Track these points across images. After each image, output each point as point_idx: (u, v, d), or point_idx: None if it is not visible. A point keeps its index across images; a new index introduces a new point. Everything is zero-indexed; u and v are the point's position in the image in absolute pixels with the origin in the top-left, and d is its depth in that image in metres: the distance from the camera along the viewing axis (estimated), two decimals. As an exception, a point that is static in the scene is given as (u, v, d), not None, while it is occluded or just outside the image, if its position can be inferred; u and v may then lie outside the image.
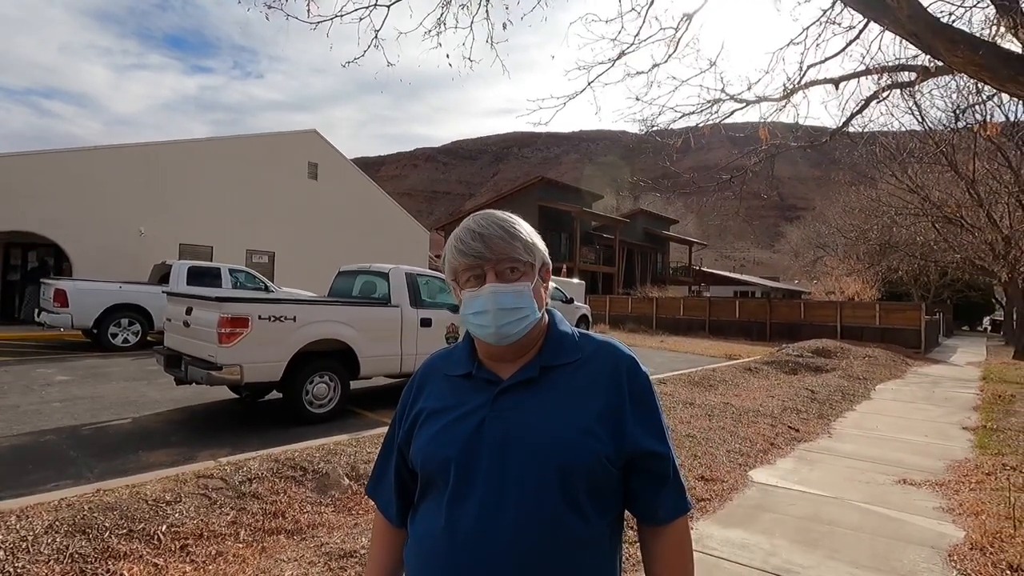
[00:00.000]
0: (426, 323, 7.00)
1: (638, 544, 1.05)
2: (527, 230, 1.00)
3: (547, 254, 1.04)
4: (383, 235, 21.69)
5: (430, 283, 7.47)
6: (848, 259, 28.91)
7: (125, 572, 2.67)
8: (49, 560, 2.67)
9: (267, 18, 3.43)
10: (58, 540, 2.81)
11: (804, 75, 4.57)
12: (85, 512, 3.06)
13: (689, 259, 45.44)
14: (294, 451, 4.26)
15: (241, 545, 3.04)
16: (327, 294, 7.90)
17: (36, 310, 10.84)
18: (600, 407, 0.94)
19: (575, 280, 23.10)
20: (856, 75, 4.67)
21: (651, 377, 1.02)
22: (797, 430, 6.24)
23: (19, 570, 2.57)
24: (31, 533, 2.82)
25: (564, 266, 25.13)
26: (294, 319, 5.73)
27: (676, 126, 6.10)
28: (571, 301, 16.40)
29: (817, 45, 4.48)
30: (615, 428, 0.93)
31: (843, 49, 4.50)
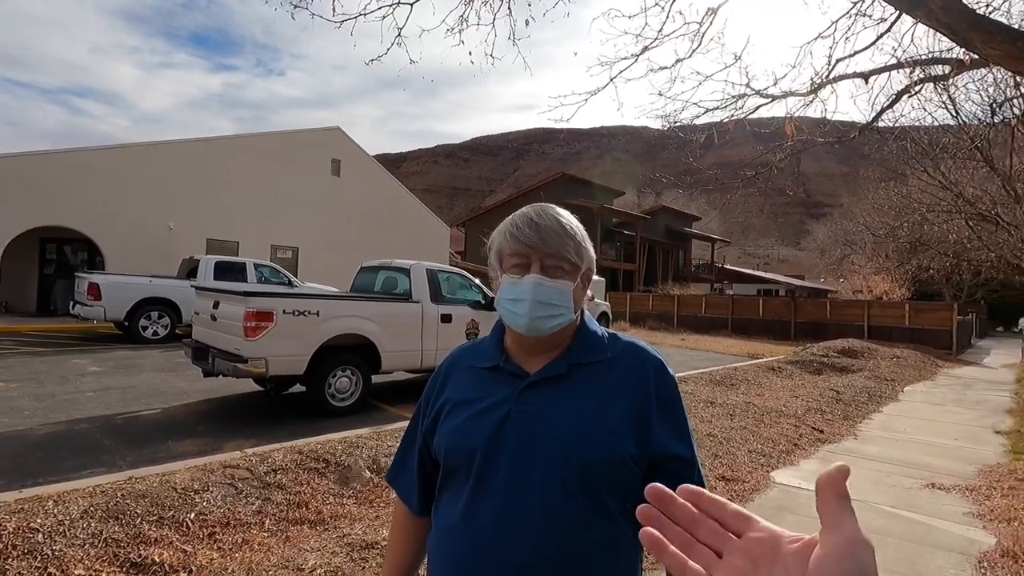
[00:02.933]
0: (446, 319, 7.05)
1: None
2: (581, 233, 1.00)
3: (594, 260, 1.04)
4: (405, 231, 21.86)
5: (451, 279, 7.52)
6: (876, 257, 28.18)
7: (156, 557, 2.76)
8: (84, 544, 2.77)
9: (293, 17, 3.48)
10: (93, 525, 2.91)
11: (832, 69, 4.47)
12: (118, 499, 3.17)
13: (712, 256, 44.84)
14: (317, 443, 4.34)
15: (266, 534, 3.12)
16: (349, 289, 8.00)
17: (71, 303, 11.20)
18: (627, 407, 0.94)
19: (595, 277, 22.97)
20: (887, 69, 4.54)
21: (679, 390, 1.02)
22: (821, 431, 6.14)
23: (57, 553, 2.67)
24: (68, 518, 2.93)
25: (584, 263, 24.97)
26: (317, 314, 5.83)
27: (699, 121, 6.03)
28: (592, 298, 16.31)
29: (846, 39, 4.38)
30: (641, 429, 0.93)
31: (874, 42, 4.39)
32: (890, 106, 4.85)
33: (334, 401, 6.04)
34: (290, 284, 12.56)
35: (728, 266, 46.41)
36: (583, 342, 1.01)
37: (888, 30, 4.19)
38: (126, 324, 10.75)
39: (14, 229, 13.64)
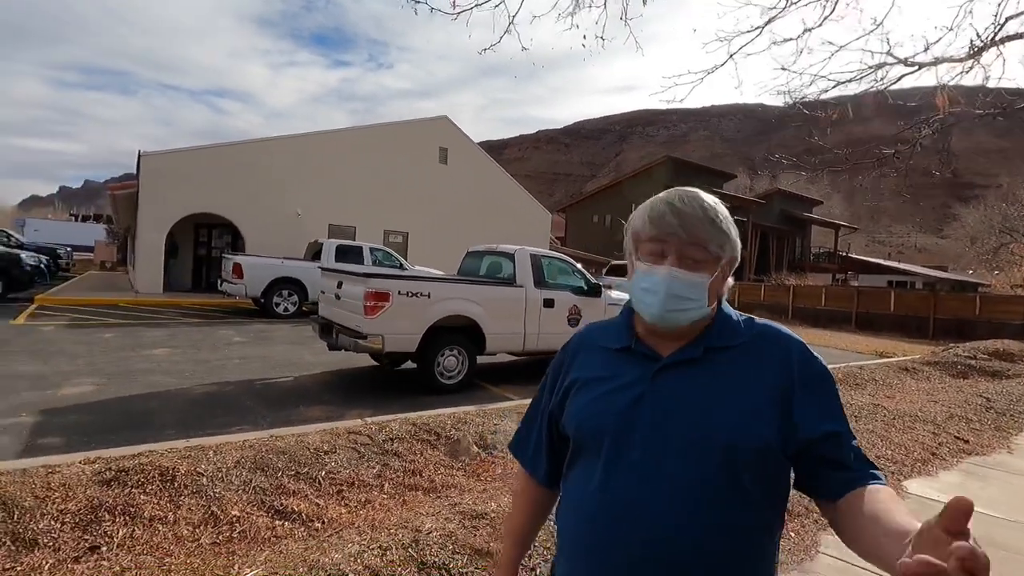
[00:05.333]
0: (549, 303, 7.13)
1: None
2: (727, 221, 0.96)
3: (739, 248, 0.99)
4: (507, 217, 22.26)
5: (553, 264, 7.57)
6: (1044, 246, 24.21)
7: (295, 507, 3.11)
8: (238, 490, 3.18)
9: (415, 12, 3.66)
10: (244, 474, 3.33)
11: (1001, 28, 3.87)
12: (262, 453, 3.60)
13: (835, 244, 40.97)
14: (429, 417, 4.61)
15: (385, 496, 3.40)
16: (456, 273, 8.34)
17: (219, 280, 12.72)
18: (767, 390, 0.91)
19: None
20: (1073, 24, 3.85)
21: (831, 371, 0.96)
22: (966, 441, 5.47)
23: (217, 495, 3.10)
24: (224, 466, 3.38)
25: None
26: (429, 295, 6.15)
27: (828, 96, 5.52)
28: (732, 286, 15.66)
29: (1020, -8, 3.76)
30: (783, 413, 0.90)
31: (1057, -6, 3.73)
32: (1075, 69, 4.11)
33: (442, 378, 6.36)
34: (401, 267, 13.32)
35: (854, 255, 42.16)
36: (719, 327, 0.98)
37: (1077, -22, 3.55)
38: (262, 300, 12.02)
39: (175, 215, 15.69)
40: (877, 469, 0.89)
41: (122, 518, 2.79)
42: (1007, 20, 3.90)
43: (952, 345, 12.79)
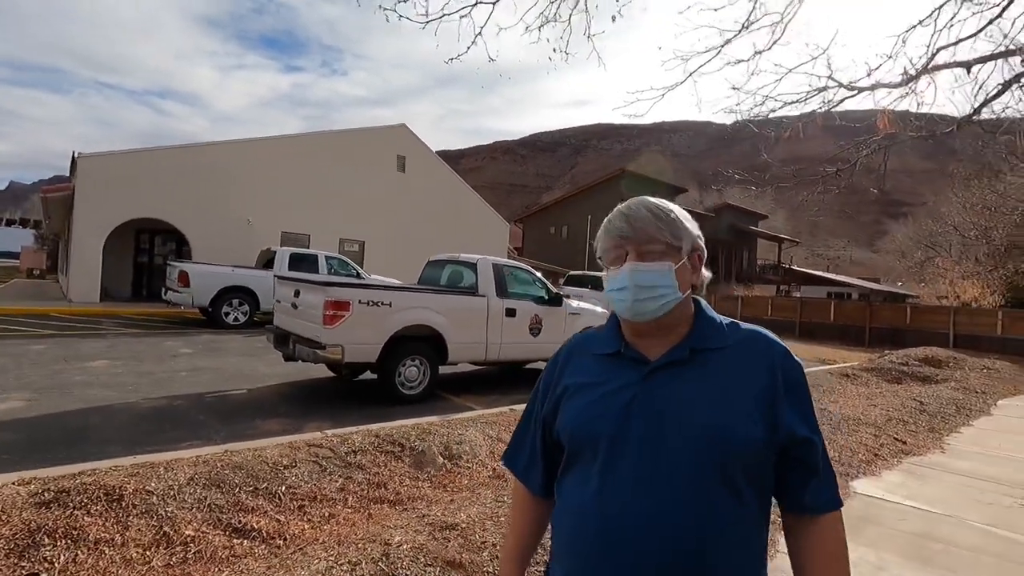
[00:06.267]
0: (511, 313, 7.15)
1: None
2: (678, 215, 1.03)
3: (701, 240, 1.05)
4: (466, 226, 22.22)
5: (515, 274, 7.61)
6: (965, 261, 26.12)
7: (254, 524, 2.98)
8: (192, 508, 3.02)
9: (387, 20, 3.64)
10: (198, 491, 3.17)
11: (932, 59, 4.19)
12: (218, 469, 3.43)
13: (778, 257, 42.94)
14: (392, 428, 4.52)
15: (350, 510, 3.30)
16: (417, 282, 8.25)
17: (163, 289, 12.11)
18: (755, 393, 0.95)
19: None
20: (994, 57, 4.19)
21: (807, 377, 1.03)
22: (904, 442, 5.80)
23: (169, 514, 2.94)
24: (176, 483, 3.20)
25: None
26: (390, 305, 6.05)
27: (776, 115, 5.81)
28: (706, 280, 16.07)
29: (950, 26, 4.08)
30: (770, 414, 0.94)
31: (981, 29, 4.06)
32: (995, 97, 4.48)
33: (403, 389, 6.26)
34: (358, 276, 13.06)
35: (796, 267, 44.27)
36: (702, 329, 1.02)
37: (999, 15, 3.89)
38: (210, 310, 11.52)
39: (114, 221, 14.87)
40: (838, 493, 1.00)
41: (64, 541, 2.60)
42: (938, 51, 4.24)
43: (887, 352, 13.60)
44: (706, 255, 1.07)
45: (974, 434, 6.62)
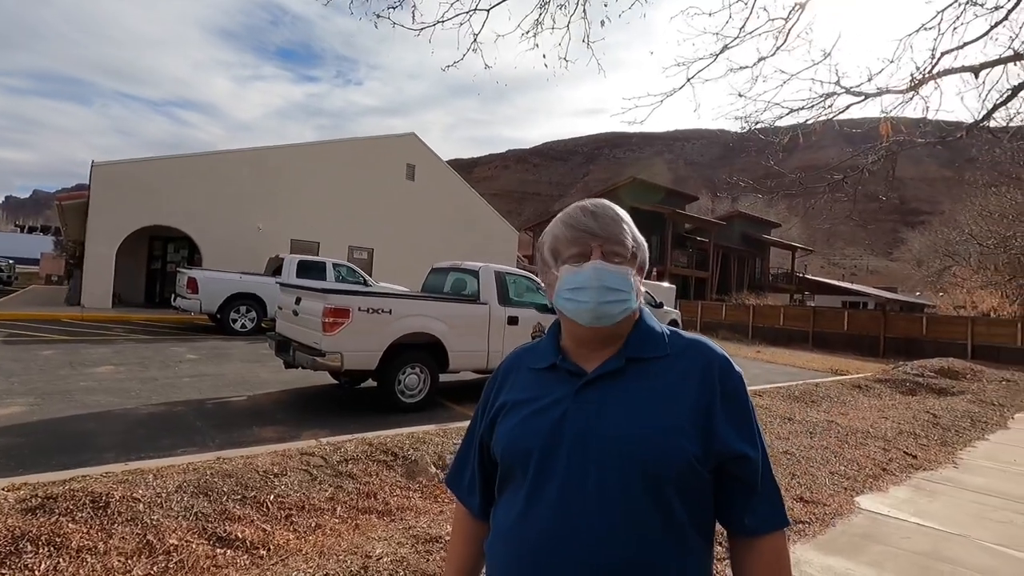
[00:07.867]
0: (513, 321, 7.10)
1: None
2: (634, 228, 1.00)
3: (647, 253, 1.02)
4: (475, 234, 22.26)
5: (518, 282, 7.56)
6: (984, 270, 25.58)
7: (239, 533, 2.95)
8: (178, 516, 3.00)
9: (376, 26, 3.64)
10: (185, 499, 3.15)
11: (937, 63, 4.09)
12: (207, 477, 3.42)
13: (792, 265, 42.44)
14: (386, 437, 4.49)
15: (337, 520, 3.26)
16: (420, 290, 8.23)
17: (172, 295, 12.24)
18: (690, 404, 0.89)
19: (665, 284, 22.39)
20: (1001, 61, 4.09)
21: (747, 389, 0.96)
22: (915, 456, 5.64)
23: (154, 522, 2.92)
24: (164, 491, 3.19)
25: (655, 269, 24.45)
26: (390, 312, 6.04)
27: (783, 123, 5.73)
28: (660, 305, 15.93)
29: (954, 29, 3.98)
30: (704, 427, 0.88)
31: (986, 33, 3.96)
32: (1004, 102, 4.37)
33: (403, 397, 6.23)
34: (365, 283, 13.10)
35: (810, 276, 43.71)
36: (640, 337, 0.97)
37: (1005, 18, 3.79)
38: (218, 316, 11.62)
39: (127, 228, 15.10)
40: (783, 511, 0.93)
41: (46, 549, 2.59)
42: (942, 55, 4.15)
43: (901, 363, 13.31)
44: (647, 270, 1.04)
45: (989, 448, 6.42)
